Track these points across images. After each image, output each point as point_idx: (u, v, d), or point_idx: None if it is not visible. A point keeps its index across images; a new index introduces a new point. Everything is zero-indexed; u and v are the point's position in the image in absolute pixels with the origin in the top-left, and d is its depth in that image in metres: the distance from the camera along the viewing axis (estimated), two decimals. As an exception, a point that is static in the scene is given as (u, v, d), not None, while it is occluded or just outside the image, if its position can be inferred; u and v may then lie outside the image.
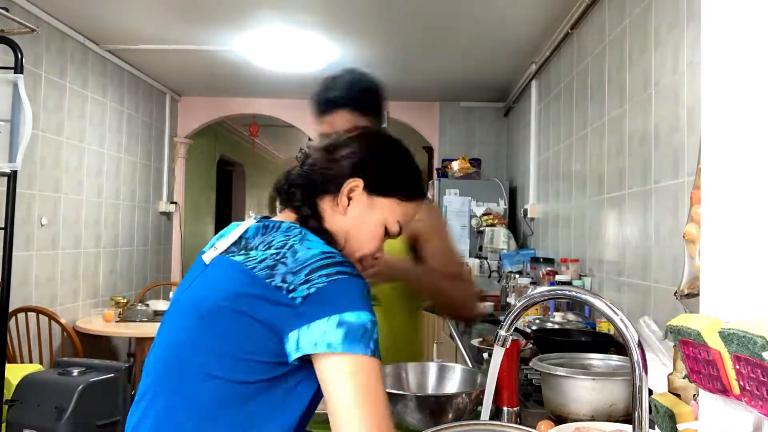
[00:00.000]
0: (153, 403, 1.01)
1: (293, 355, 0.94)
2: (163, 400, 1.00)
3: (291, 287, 0.94)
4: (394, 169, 1.20)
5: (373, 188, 1.15)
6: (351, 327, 0.92)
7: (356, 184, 1.13)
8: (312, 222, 1.10)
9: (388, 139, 1.25)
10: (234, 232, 1.11)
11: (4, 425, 2.72)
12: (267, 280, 0.96)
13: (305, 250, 1.00)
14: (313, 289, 0.94)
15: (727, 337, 0.80)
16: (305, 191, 1.14)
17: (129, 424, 1.05)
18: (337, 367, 0.92)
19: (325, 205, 1.14)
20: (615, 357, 1.58)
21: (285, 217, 1.14)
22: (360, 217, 1.14)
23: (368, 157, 1.17)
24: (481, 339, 2.43)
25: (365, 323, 0.93)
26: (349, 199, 1.14)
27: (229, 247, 1.07)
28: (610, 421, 1.33)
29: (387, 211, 1.16)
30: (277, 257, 0.99)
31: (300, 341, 0.93)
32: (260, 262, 0.99)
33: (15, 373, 2.89)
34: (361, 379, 0.91)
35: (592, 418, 1.35)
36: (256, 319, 0.95)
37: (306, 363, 0.95)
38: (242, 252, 1.04)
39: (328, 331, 0.91)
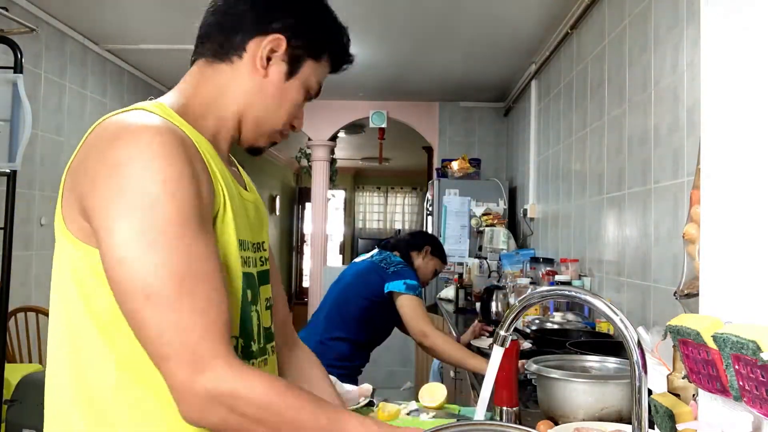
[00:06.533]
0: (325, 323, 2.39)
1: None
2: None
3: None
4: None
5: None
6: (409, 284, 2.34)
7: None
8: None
9: None
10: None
11: (3, 425, 2.72)
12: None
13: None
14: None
15: (720, 341, 0.80)
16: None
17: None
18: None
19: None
20: (612, 359, 1.57)
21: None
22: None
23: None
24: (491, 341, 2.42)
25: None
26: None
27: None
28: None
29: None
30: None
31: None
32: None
33: (15, 373, 2.89)
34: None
35: (583, 421, 1.35)
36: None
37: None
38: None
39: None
